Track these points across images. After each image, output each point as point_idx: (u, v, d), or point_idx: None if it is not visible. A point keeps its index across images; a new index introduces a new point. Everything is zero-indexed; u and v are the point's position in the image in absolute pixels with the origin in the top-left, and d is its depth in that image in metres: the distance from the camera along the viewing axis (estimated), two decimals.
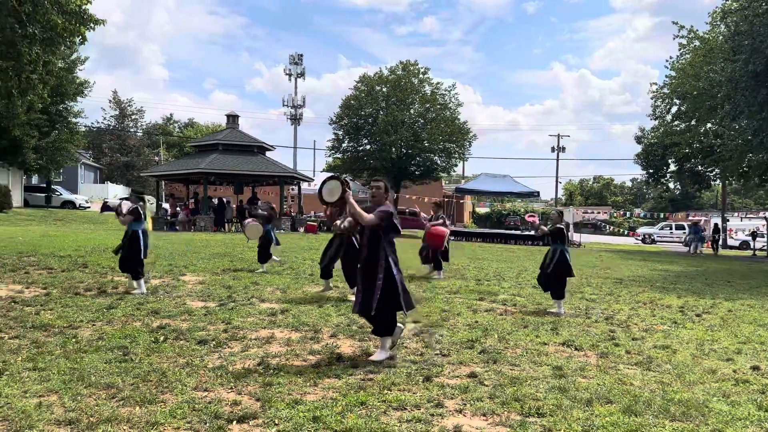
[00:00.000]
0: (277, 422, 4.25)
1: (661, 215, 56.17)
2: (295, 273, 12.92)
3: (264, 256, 13.16)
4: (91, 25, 11.74)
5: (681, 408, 4.79)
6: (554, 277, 9.69)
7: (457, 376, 5.54)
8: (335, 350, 6.34)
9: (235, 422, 4.24)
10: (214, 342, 6.50)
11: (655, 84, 32.58)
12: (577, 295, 11.70)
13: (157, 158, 67.11)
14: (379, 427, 4.16)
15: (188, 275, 11.93)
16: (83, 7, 11.58)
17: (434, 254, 13.40)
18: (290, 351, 6.27)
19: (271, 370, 5.48)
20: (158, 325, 7.26)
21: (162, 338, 6.58)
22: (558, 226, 9.85)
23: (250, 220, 14.22)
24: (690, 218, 46.26)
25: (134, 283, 9.72)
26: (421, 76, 37.44)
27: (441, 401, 4.79)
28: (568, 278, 9.79)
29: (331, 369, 5.60)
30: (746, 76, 20.92)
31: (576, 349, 6.90)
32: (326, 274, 10.40)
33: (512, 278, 14.09)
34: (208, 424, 4.16)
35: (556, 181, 65.94)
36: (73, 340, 6.37)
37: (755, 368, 6.34)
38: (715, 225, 36.20)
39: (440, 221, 13.65)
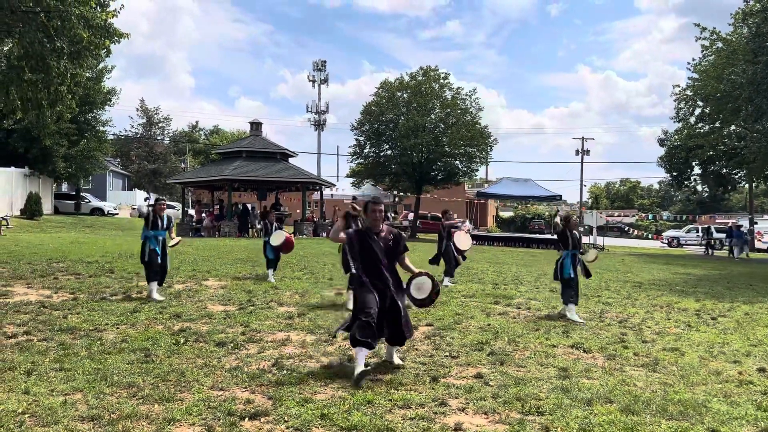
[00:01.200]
0: (286, 419, 4.47)
1: (684, 218, 55.52)
2: (315, 278, 13.17)
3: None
4: (116, 38, 12.20)
5: (679, 407, 4.92)
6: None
7: (464, 377, 5.72)
8: (348, 352, 6.55)
9: (247, 419, 4.47)
10: (231, 344, 6.76)
11: (678, 86, 32.32)
12: (594, 298, 11.77)
13: (183, 165, 68.04)
14: (383, 424, 4.36)
15: (211, 280, 12.25)
16: (109, 21, 12.03)
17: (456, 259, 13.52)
18: (304, 353, 6.50)
19: (285, 371, 5.71)
20: (179, 328, 7.54)
21: (182, 340, 6.85)
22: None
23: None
24: (722, 221, 45.75)
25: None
26: (441, 81, 37.57)
27: (445, 400, 4.98)
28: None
29: (342, 369, 5.81)
30: None
31: (584, 351, 7.03)
32: None
33: (530, 282, 14.19)
34: (221, 421, 4.40)
35: (581, 185, 65.48)
36: (98, 342, 6.67)
37: (761, 370, 6.41)
38: (730, 228, 36.24)
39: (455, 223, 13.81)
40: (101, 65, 35.68)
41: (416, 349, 6.79)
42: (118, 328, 7.50)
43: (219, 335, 7.19)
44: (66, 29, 11.30)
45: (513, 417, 4.63)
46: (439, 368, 5.98)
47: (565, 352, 6.94)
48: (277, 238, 12.49)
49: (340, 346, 6.84)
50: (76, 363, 5.77)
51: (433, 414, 4.66)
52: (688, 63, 31.77)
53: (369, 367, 5.66)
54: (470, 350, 6.82)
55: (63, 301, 9.26)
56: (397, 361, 6.16)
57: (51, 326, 7.38)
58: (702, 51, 29.95)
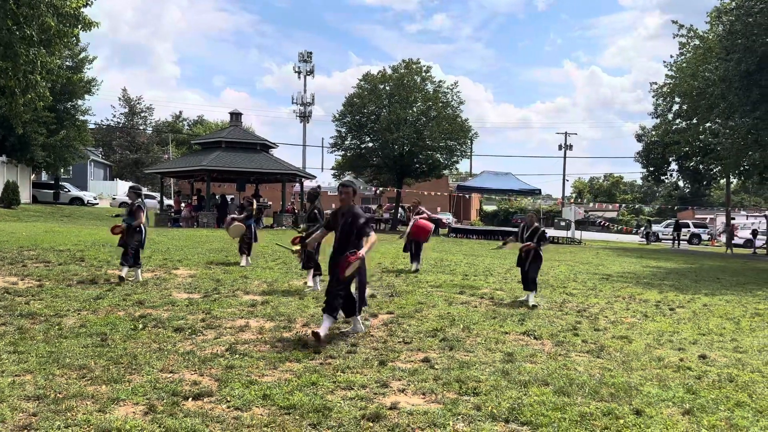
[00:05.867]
0: (229, 399, 4.60)
1: (653, 211, 56.51)
2: (286, 267, 13.27)
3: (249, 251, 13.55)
4: (86, 26, 12.15)
5: (611, 390, 5.11)
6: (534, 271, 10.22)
7: (411, 361, 5.88)
8: (304, 338, 6.68)
9: (190, 399, 4.59)
10: (189, 330, 6.86)
11: (656, 83, 32.60)
12: (559, 289, 11.99)
13: (166, 156, 67.76)
14: (322, 404, 4.50)
15: (181, 269, 12.31)
16: (79, 9, 12.00)
17: (417, 248, 13.80)
18: (260, 338, 6.62)
19: (237, 355, 5.83)
20: (140, 314, 7.62)
21: (141, 326, 6.94)
22: (536, 225, 10.49)
23: (231, 219, 14.35)
24: (701, 215, 46.53)
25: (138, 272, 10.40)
26: (423, 74, 37.67)
27: (388, 382, 5.13)
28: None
29: (294, 354, 5.95)
30: (739, 75, 21.07)
31: (535, 338, 7.21)
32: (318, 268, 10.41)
33: (500, 274, 14.37)
34: (165, 401, 4.52)
35: (563, 179, 66.06)
36: (57, 327, 6.74)
37: (703, 357, 6.63)
38: (677, 221, 38.76)
39: (424, 215, 14.06)
40: (82, 55, 35.46)
41: (371, 336, 6.94)
42: (79, 313, 7.57)
43: (178, 321, 7.27)
44: (35, 17, 11.28)
45: (449, 397, 4.79)
46: (389, 353, 6.14)
47: (515, 339, 7.12)
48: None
49: (297, 332, 6.98)
50: (31, 346, 5.85)
51: (373, 395, 4.81)
52: (664, 61, 32.13)
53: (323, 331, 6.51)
54: (424, 336, 6.98)
55: (28, 287, 9.30)
56: (354, 327, 7.06)
57: (11, 311, 7.44)
58: (679, 48, 30.25)
